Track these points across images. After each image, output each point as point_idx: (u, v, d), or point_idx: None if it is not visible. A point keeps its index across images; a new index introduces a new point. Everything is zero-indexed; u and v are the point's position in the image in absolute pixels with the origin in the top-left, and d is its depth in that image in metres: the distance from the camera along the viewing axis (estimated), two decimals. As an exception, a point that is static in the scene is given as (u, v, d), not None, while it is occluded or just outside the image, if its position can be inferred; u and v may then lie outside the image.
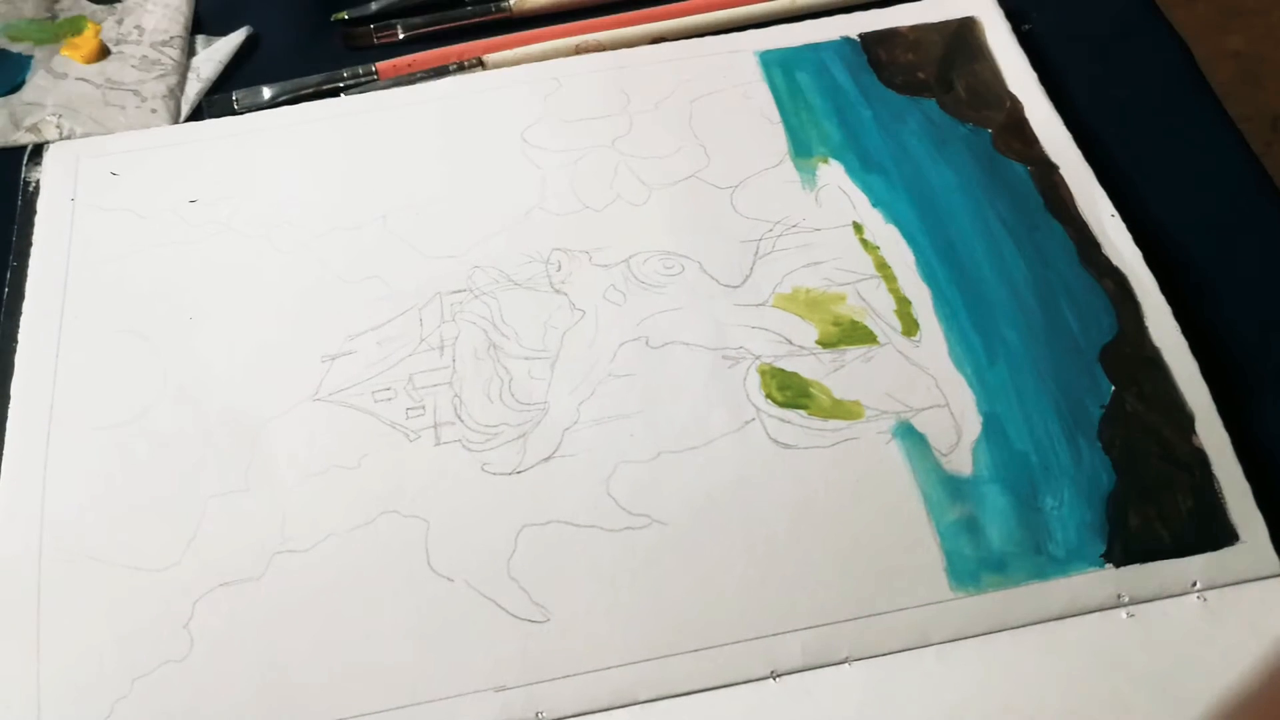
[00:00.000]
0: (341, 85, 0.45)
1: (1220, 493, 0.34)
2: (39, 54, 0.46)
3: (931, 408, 0.35)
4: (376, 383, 0.36)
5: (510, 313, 0.38)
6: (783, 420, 0.35)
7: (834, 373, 0.36)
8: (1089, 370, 0.36)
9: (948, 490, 0.34)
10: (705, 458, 0.35)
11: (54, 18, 0.47)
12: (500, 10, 0.48)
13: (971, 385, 0.36)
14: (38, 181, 0.42)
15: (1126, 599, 0.32)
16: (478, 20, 0.47)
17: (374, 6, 0.48)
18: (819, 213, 0.40)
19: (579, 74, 0.44)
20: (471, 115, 0.43)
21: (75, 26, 0.47)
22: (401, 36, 0.47)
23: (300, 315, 0.38)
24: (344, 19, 0.48)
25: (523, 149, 0.42)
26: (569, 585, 0.33)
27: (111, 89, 0.45)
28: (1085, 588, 0.32)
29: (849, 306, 0.38)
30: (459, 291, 0.38)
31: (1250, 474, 0.34)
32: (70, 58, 0.46)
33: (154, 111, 0.44)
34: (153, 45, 0.46)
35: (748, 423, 0.35)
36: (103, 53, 0.46)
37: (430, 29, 0.47)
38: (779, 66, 0.44)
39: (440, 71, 0.45)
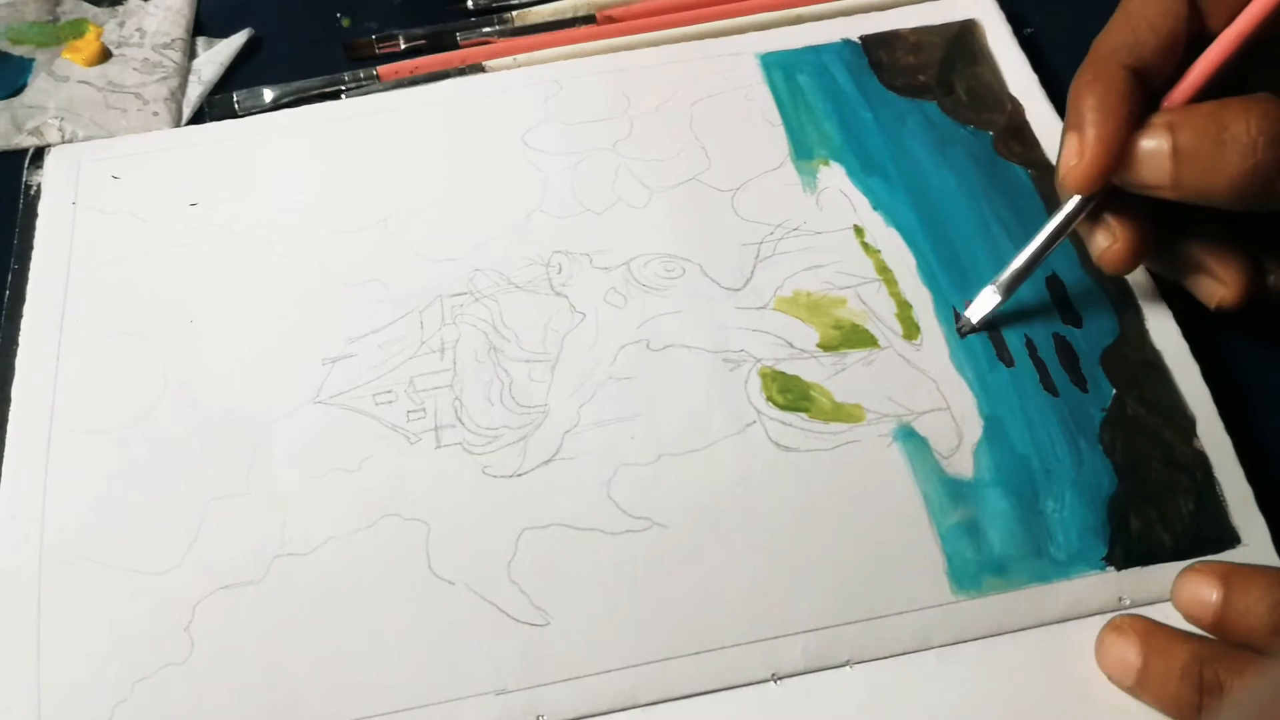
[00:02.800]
0: (343, 88, 0.45)
1: (1222, 495, 0.34)
2: (40, 57, 0.46)
3: (932, 411, 0.35)
4: (377, 385, 0.36)
5: (511, 315, 0.38)
6: (784, 423, 0.35)
7: (835, 376, 0.36)
8: (1090, 373, 0.36)
9: (949, 493, 0.34)
10: (706, 460, 0.35)
11: (55, 21, 0.47)
12: (501, 24, 0.47)
13: (973, 388, 0.36)
14: (39, 185, 0.42)
15: (1128, 601, 0.32)
16: (480, 39, 0.47)
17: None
18: (820, 216, 0.40)
19: (580, 76, 0.44)
20: (472, 118, 0.43)
21: (77, 29, 0.47)
22: (403, 47, 0.47)
23: (301, 318, 0.38)
24: (345, 27, 0.48)
25: (523, 152, 0.42)
26: (570, 588, 0.33)
27: (113, 92, 0.45)
28: (1087, 590, 0.32)
29: (850, 310, 0.38)
30: (460, 294, 0.38)
31: (1252, 476, 0.34)
32: (72, 61, 0.46)
33: (156, 114, 0.44)
34: (154, 48, 0.46)
35: (749, 425, 0.35)
36: (104, 55, 0.46)
37: (432, 40, 0.47)
38: (780, 69, 0.44)
39: (441, 74, 0.45)
